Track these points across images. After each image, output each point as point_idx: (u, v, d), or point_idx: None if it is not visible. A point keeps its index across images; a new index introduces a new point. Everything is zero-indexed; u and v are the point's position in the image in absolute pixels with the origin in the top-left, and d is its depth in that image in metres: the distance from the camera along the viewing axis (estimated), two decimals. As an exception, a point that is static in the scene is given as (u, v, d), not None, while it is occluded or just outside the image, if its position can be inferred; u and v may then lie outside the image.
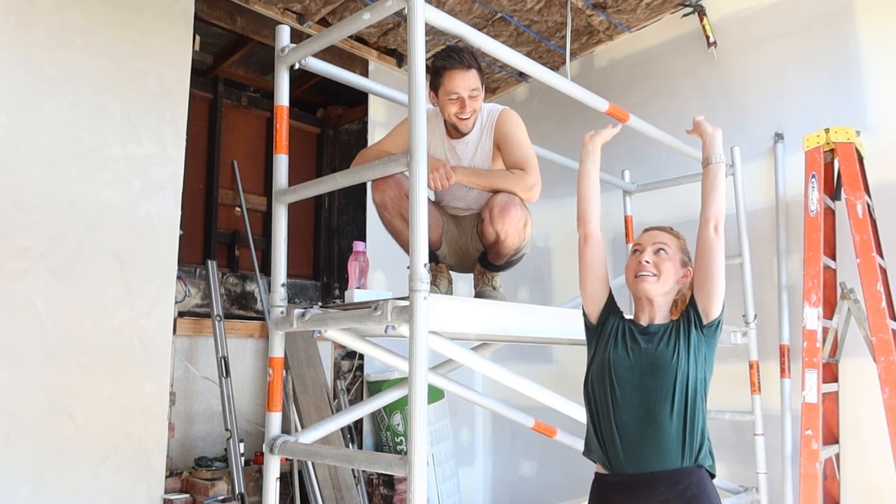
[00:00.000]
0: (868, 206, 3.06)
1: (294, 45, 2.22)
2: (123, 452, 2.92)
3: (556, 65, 4.44)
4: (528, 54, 4.30)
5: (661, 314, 1.81)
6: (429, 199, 2.01)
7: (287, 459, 3.53)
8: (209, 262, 3.81)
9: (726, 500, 3.12)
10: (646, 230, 1.91)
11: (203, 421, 3.82)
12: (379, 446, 4.13)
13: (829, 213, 3.26)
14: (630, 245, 3.46)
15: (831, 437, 3.20)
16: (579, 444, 1.84)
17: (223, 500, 3.28)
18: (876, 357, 2.85)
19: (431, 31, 3.73)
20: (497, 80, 4.75)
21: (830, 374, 3.23)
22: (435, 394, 4.08)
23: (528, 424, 2.71)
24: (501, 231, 2.27)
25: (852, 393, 3.22)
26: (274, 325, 2.12)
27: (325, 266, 4.84)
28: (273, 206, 2.20)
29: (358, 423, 4.13)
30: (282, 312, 2.11)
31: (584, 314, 1.91)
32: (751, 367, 3.36)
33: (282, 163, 2.19)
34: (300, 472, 3.65)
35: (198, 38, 3.59)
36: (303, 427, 3.63)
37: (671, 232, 1.88)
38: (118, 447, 2.90)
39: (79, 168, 2.90)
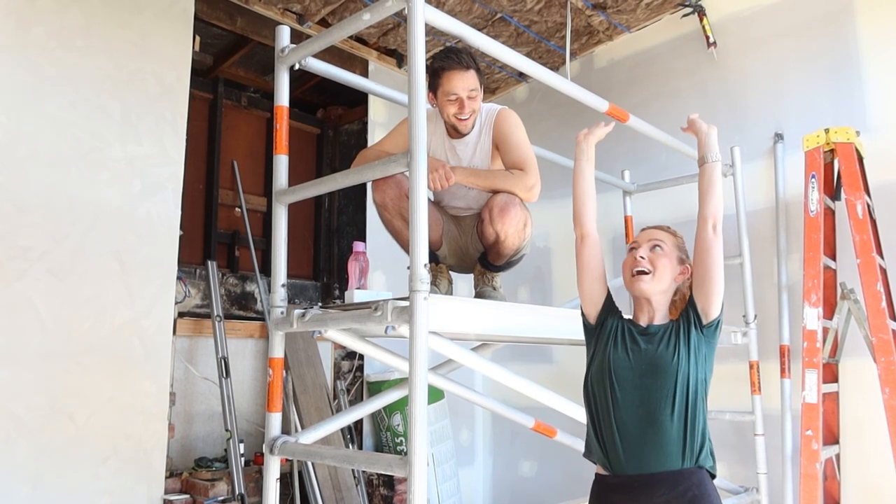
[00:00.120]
0: (868, 206, 3.06)
1: (294, 45, 2.22)
2: (123, 453, 2.92)
3: (556, 65, 4.44)
4: (528, 54, 4.30)
5: (660, 314, 1.81)
6: (429, 200, 2.01)
7: (287, 460, 3.53)
8: (209, 262, 3.81)
9: (727, 501, 3.12)
10: (643, 229, 1.91)
11: (203, 421, 3.82)
12: (379, 447, 4.12)
13: (829, 214, 3.26)
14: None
15: (831, 438, 3.20)
16: (579, 445, 1.84)
17: (223, 501, 3.28)
18: (876, 357, 2.85)
19: (431, 32, 3.74)
20: (497, 80, 4.75)
21: (830, 374, 3.23)
22: (435, 394, 4.08)
23: (528, 425, 2.71)
24: (501, 231, 2.27)
25: (852, 393, 3.22)
26: (274, 326, 2.12)
27: (325, 266, 4.84)
28: (273, 206, 2.20)
29: (358, 424, 4.13)
30: (282, 313, 2.11)
31: (583, 314, 1.91)
32: (751, 367, 3.36)
33: (282, 163, 2.19)
34: (300, 473, 3.65)
35: (198, 38, 3.58)
36: (303, 427, 3.63)
37: (668, 230, 1.88)
38: (118, 447, 2.90)
39: (79, 168, 2.90)
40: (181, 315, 3.65)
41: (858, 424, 3.18)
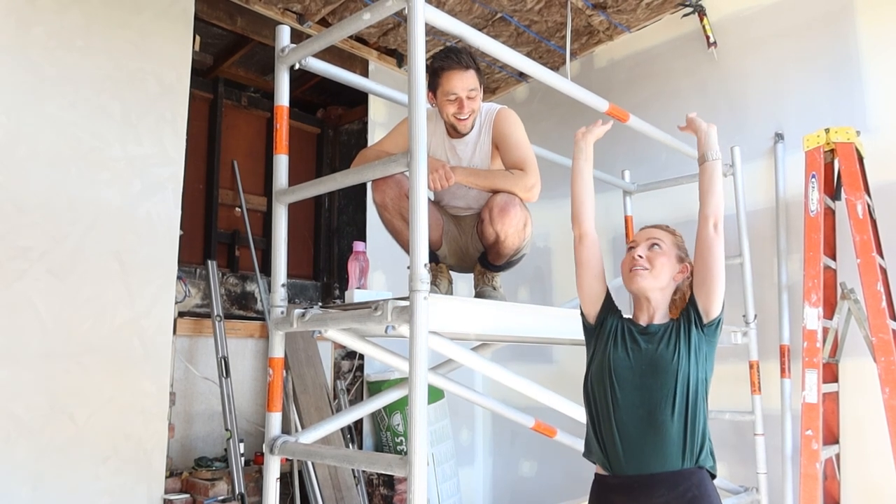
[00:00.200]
0: (868, 206, 3.06)
1: (294, 45, 2.22)
2: (123, 453, 2.92)
3: (556, 65, 4.44)
4: (528, 54, 4.30)
5: (660, 313, 1.80)
6: (429, 199, 2.01)
7: (287, 459, 3.53)
8: (209, 262, 3.81)
9: (727, 501, 3.12)
10: (642, 229, 1.91)
11: (203, 421, 3.82)
12: (379, 446, 4.12)
13: (830, 214, 3.26)
14: (630, 245, 3.46)
15: (831, 438, 3.20)
16: (579, 445, 1.84)
17: (223, 501, 3.28)
18: (876, 357, 2.85)
19: (431, 32, 3.73)
20: (497, 80, 4.75)
21: (830, 374, 3.23)
22: (435, 394, 4.08)
23: (528, 424, 2.71)
24: (501, 231, 2.27)
25: (852, 393, 3.22)
26: (274, 326, 2.12)
27: (325, 266, 4.84)
28: (273, 206, 2.20)
29: (358, 424, 4.13)
30: (282, 312, 2.11)
31: (582, 314, 1.90)
32: (751, 367, 3.36)
33: (282, 163, 2.19)
34: (300, 473, 3.65)
35: (198, 38, 3.59)
36: (303, 427, 3.63)
37: (667, 229, 1.88)
38: (118, 447, 2.90)
39: (79, 168, 2.90)
40: (181, 315, 3.65)
41: (858, 424, 3.18)
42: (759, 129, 3.63)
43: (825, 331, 3.08)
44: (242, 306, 4.17)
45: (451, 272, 2.60)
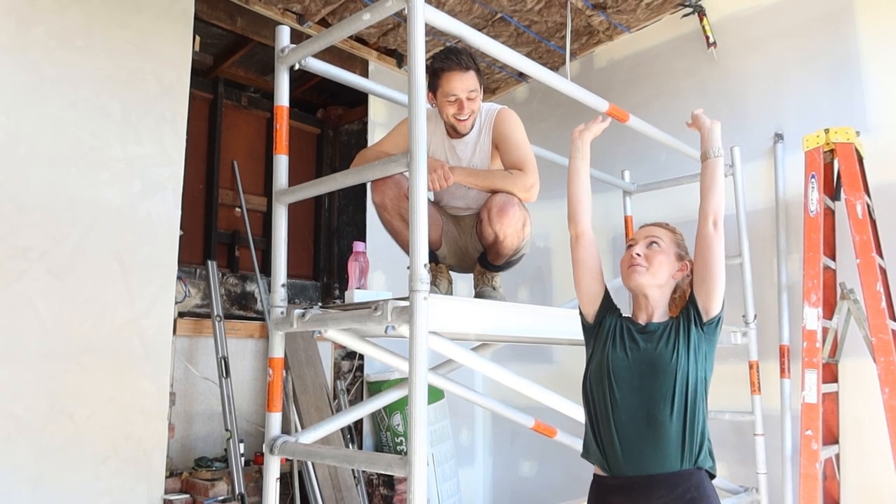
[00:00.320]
0: (868, 206, 3.06)
1: (294, 45, 2.22)
2: (123, 453, 2.92)
3: (556, 65, 4.44)
4: (528, 55, 4.30)
5: (659, 311, 1.79)
6: (428, 200, 2.01)
7: (287, 460, 3.53)
8: (209, 262, 3.81)
9: (727, 501, 3.12)
10: (641, 227, 1.91)
11: (203, 421, 3.82)
12: (379, 446, 4.13)
13: (829, 214, 3.26)
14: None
15: (831, 438, 3.20)
16: (579, 445, 1.84)
17: (223, 501, 3.28)
18: (876, 357, 2.85)
19: (431, 32, 3.74)
20: (497, 80, 4.75)
21: (830, 374, 3.23)
22: (435, 394, 4.08)
23: (528, 425, 2.71)
24: (500, 231, 2.27)
25: (852, 393, 3.22)
26: (274, 326, 2.12)
27: (325, 266, 4.84)
28: (273, 206, 2.20)
29: (358, 424, 4.13)
30: (282, 313, 2.11)
31: (581, 314, 1.90)
32: (751, 367, 3.36)
33: (282, 163, 2.19)
34: (300, 473, 3.65)
35: (198, 38, 3.58)
36: (303, 427, 3.63)
37: (666, 227, 1.88)
38: (118, 447, 2.90)
39: (79, 168, 2.90)
40: (181, 315, 3.65)
41: (858, 424, 3.18)
42: (758, 129, 3.63)
43: (825, 331, 3.08)
44: (242, 306, 4.17)
45: (450, 272, 2.60)
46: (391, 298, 1.80)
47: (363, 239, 4.22)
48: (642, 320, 1.80)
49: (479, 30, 3.18)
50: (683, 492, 1.61)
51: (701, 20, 3.82)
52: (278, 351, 2.14)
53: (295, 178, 2.19)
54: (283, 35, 2.24)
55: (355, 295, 2.15)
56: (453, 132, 2.40)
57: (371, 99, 4.39)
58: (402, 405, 3.87)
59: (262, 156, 4.62)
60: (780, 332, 3.39)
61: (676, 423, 1.64)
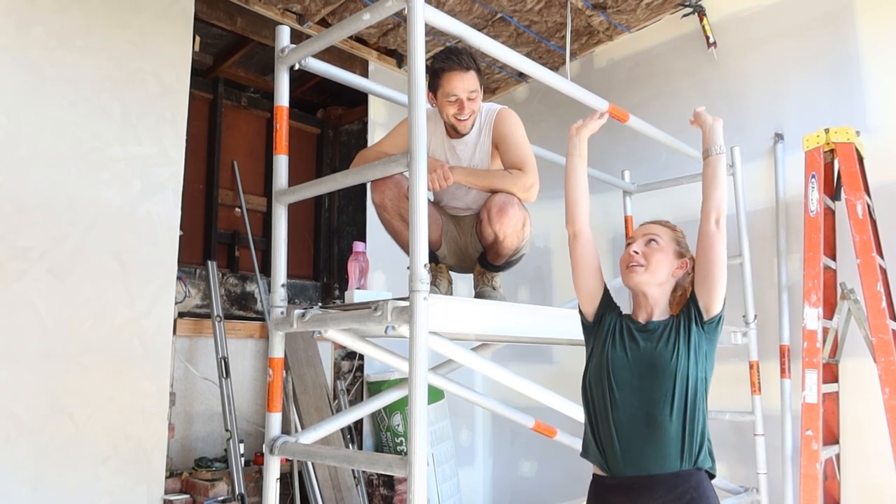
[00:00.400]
0: (868, 206, 3.06)
1: (294, 45, 2.22)
2: (123, 453, 2.92)
3: (556, 65, 4.44)
4: (528, 55, 4.30)
5: (658, 309, 1.78)
6: (428, 200, 2.01)
7: (287, 460, 3.53)
8: (209, 262, 3.81)
9: (727, 501, 3.12)
10: (641, 224, 1.90)
11: (203, 421, 3.82)
12: (379, 447, 4.12)
13: (829, 214, 3.26)
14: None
15: (831, 438, 3.20)
16: (579, 445, 1.83)
17: (223, 501, 3.28)
18: (876, 357, 2.85)
19: (431, 32, 3.74)
20: (497, 80, 4.75)
21: (830, 374, 3.23)
22: (435, 394, 4.08)
23: (528, 425, 2.70)
24: (500, 231, 2.27)
25: (852, 393, 3.22)
26: (274, 326, 2.12)
27: (325, 266, 4.84)
28: (273, 206, 2.20)
29: (358, 424, 4.13)
30: (282, 313, 2.11)
31: (581, 312, 1.90)
32: (751, 367, 3.35)
33: (282, 163, 2.19)
34: (300, 473, 3.65)
35: (198, 38, 3.58)
36: (303, 427, 3.63)
37: (666, 224, 1.87)
38: (118, 447, 2.90)
39: (79, 168, 2.90)
40: (181, 315, 3.65)
41: (858, 424, 3.18)
42: (759, 129, 3.63)
43: (825, 331, 3.08)
44: (242, 307, 4.17)
45: (450, 272, 2.60)
46: (391, 298, 1.80)
47: (363, 239, 4.22)
48: (642, 319, 1.79)
49: (479, 30, 3.18)
50: (682, 492, 1.61)
51: (701, 20, 3.82)
52: (278, 351, 2.14)
53: (295, 178, 2.19)
54: (283, 35, 2.24)
55: (355, 295, 2.15)
56: (453, 132, 2.40)
57: (371, 99, 4.39)
58: (402, 405, 3.87)
59: (262, 156, 4.62)
60: (780, 332, 3.39)
61: (676, 423, 1.63)
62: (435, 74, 2.30)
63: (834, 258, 3.26)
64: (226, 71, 4.53)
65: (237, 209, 4.34)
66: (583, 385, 1.80)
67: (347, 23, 2.04)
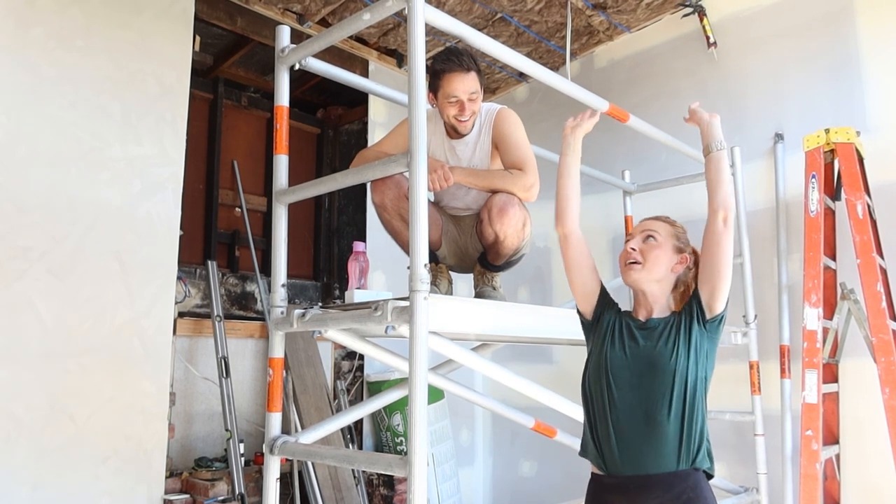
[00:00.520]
0: (868, 206, 3.06)
1: (294, 45, 2.22)
2: (123, 453, 2.92)
3: (556, 65, 4.43)
4: (528, 55, 4.30)
5: (658, 306, 1.77)
6: (428, 200, 2.01)
7: (287, 460, 3.52)
8: (209, 262, 3.81)
9: (727, 501, 3.12)
10: (641, 221, 1.88)
11: (203, 421, 3.82)
12: (379, 447, 4.12)
13: (830, 214, 3.26)
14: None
15: (831, 438, 3.20)
16: (579, 445, 1.83)
17: (223, 501, 3.28)
18: (876, 357, 2.85)
19: (431, 32, 3.73)
20: (497, 80, 4.75)
21: (830, 374, 3.23)
22: (435, 394, 4.08)
23: (528, 425, 2.70)
24: (500, 231, 2.27)
25: (852, 393, 3.22)
26: (274, 326, 2.12)
27: (325, 266, 4.84)
28: (273, 206, 2.20)
29: (358, 424, 4.13)
30: (282, 313, 2.11)
31: (579, 312, 1.89)
32: (751, 367, 3.36)
33: (282, 163, 2.19)
34: (300, 473, 3.65)
35: (198, 38, 3.58)
36: (303, 427, 3.63)
37: (665, 220, 1.85)
38: (118, 448, 2.90)
39: (79, 168, 2.90)
40: (181, 315, 3.65)
41: (858, 424, 3.18)
42: (759, 129, 3.63)
43: (825, 331, 3.08)
44: (242, 306, 4.17)
45: (450, 272, 2.60)
46: (391, 298, 1.80)
47: (363, 239, 4.22)
48: (642, 316, 1.78)
49: (480, 30, 3.18)
50: (680, 492, 1.60)
51: (701, 20, 3.82)
52: (278, 351, 2.14)
53: (295, 178, 2.19)
54: (283, 35, 2.24)
55: (355, 295, 2.15)
56: (453, 132, 2.40)
57: (371, 99, 4.39)
58: (402, 405, 3.87)
59: (262, 156, 4.62)
60: (780, 332, 3.39)
61: (674, 422, 1.62)
62: (435, 75, 2.30)
63: (834, 258, 3.26)
64: (226, 71, 4.53)
65: (237, 209, 4.34)
66: (582, 384, 1.80)
67: (347, 23, 2.04)
